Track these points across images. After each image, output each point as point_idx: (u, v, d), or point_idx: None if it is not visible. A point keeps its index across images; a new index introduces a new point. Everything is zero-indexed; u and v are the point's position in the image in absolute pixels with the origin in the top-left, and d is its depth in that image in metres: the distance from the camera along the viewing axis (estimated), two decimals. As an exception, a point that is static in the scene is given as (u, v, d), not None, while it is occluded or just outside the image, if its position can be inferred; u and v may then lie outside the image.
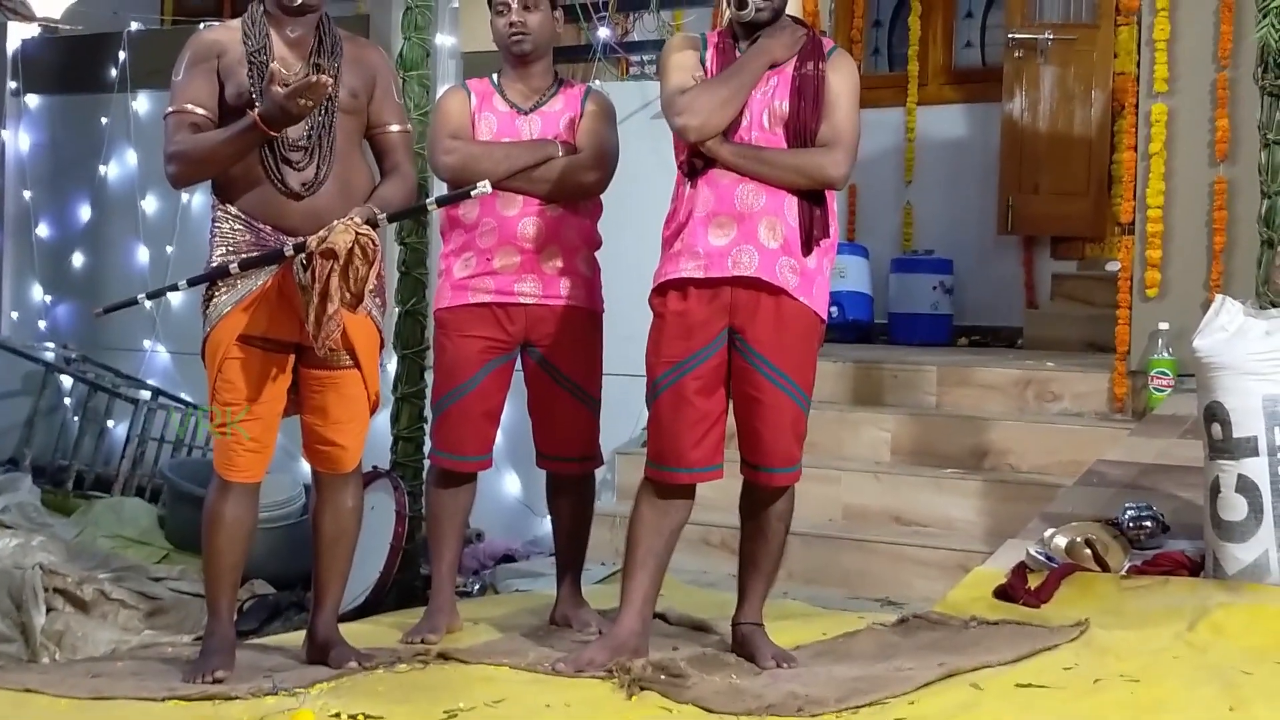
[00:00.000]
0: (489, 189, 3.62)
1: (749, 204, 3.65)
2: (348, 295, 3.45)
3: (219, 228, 3.65)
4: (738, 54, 3.75)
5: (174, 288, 3.82)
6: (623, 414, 5.29)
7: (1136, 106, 5.99)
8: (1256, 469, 4.01)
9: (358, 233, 3.44)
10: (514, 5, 4.18)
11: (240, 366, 3.61)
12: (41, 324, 8.72)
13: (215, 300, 3.62)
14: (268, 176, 3.60)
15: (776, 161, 3.66)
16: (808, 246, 3.67)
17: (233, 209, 3.63)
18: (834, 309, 7.33)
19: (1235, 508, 4.03)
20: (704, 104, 3.65)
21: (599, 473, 4.50)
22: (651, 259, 3.79)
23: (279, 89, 3.42)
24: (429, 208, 3.85)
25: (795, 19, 3.85)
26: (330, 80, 3.50)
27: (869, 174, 8.12)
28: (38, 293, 8.76)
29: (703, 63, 3.76)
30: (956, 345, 7.86)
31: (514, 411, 4.38)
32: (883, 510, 5.64)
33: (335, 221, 3.46)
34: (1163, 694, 3.34)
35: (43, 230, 8.76)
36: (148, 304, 3.87)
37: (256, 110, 3.48)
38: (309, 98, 3.42)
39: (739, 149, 3.67)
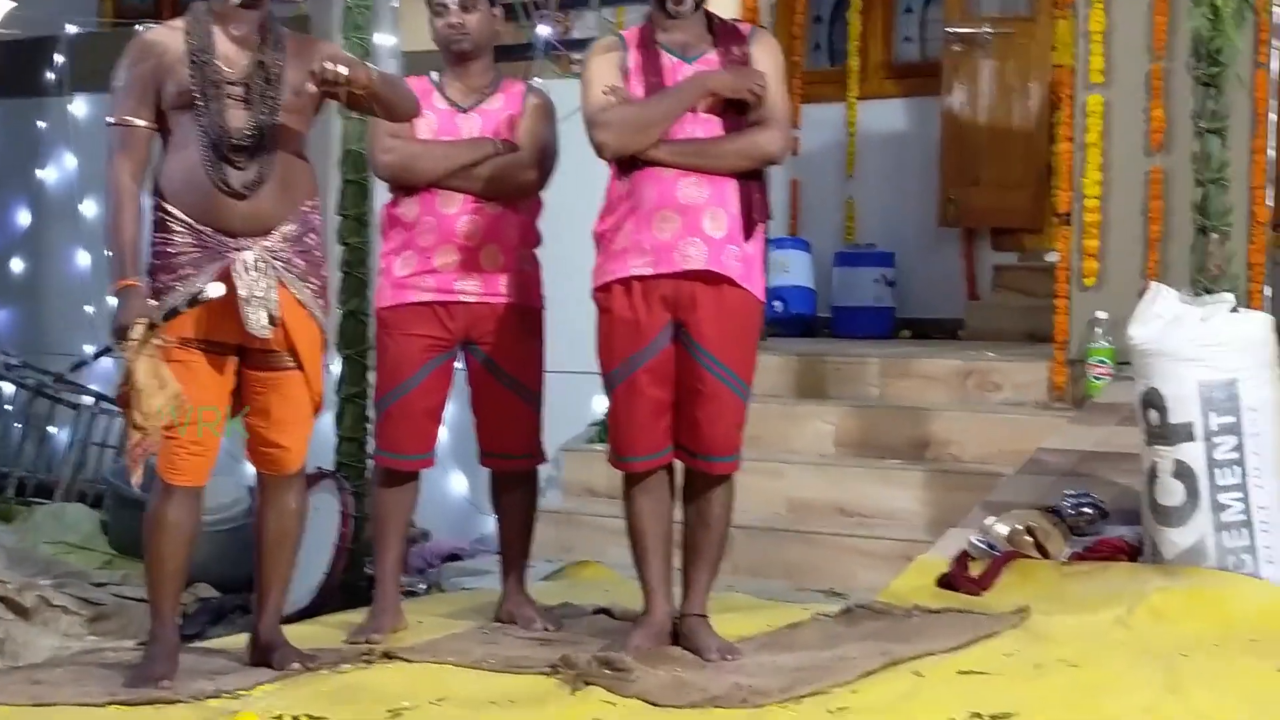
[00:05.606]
0: (222, 291, 3.49)
1: (692, 197, 3.68)
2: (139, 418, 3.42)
3: (158, 233, 3.62)
4: (662, 56, 3.78)
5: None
6: (568, 411, 5.28)
7: (1073, 98, 6.04)
8: (1193, 454, 4.07)
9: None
10: (452, 5, 4.17)
11: (183, 369, 3.59)
12: (-20, 331, 8.63)
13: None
14: (209, 176, 3.56)
15: (716, 151, 3.70)
16: (749, 230, 3.71)
17: (173, 210, 3.60)
18: (777, 303, 7.36)
19: (1172, 493, 4.09)
20: (626, 124, 3.69)
21: (545, 470, 4.51)
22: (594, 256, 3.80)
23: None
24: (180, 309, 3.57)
25: (705, 10, 3.86)
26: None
27: (811, 168, 8.14)
28: (-24, 299, 8.67)
29: (625, 67, 3.78)
30: (898, 337, 7.88)
31: (458, 410, 4.37)
32: (827, 502, 5.65)
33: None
34: (1102, 678, 3.39)
35: (-20, 236, 8.67)
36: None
37: (119, 289, 3.47)
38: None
39: (676, 147, 3.70)
